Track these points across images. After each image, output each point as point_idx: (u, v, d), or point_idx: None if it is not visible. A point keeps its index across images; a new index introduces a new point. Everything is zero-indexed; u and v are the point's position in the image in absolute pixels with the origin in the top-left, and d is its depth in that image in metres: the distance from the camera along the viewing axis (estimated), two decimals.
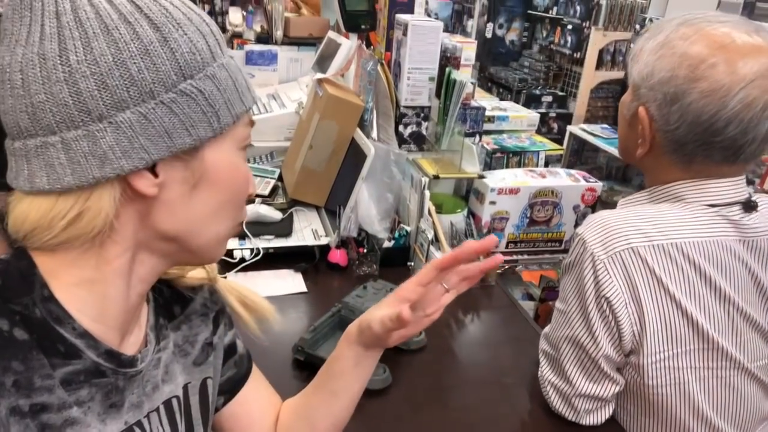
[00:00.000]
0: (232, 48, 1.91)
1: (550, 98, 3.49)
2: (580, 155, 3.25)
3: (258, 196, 1.50)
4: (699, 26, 0.82)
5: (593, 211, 1.53)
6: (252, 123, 0.56)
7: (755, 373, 0.86)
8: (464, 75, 1.34)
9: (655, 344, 0.83)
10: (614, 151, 2.80)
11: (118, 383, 0.51)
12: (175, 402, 0.59)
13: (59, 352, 0.46)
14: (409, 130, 1.39)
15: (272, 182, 1.56)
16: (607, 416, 0.92)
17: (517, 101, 3.49)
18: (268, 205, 1.46)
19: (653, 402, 0.87)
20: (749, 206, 0.84)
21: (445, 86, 1.33)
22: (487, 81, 4.01)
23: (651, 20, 3.03)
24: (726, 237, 0.82)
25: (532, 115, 1.74)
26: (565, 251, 1.53)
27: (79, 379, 0.47)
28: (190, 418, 0.61)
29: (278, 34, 2.02)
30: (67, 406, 0.46)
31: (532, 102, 3.47)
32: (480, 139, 1.48)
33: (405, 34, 1.33)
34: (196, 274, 0.64)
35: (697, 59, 0.79)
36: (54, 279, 0.47)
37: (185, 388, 0.61)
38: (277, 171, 1.62)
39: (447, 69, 1.33)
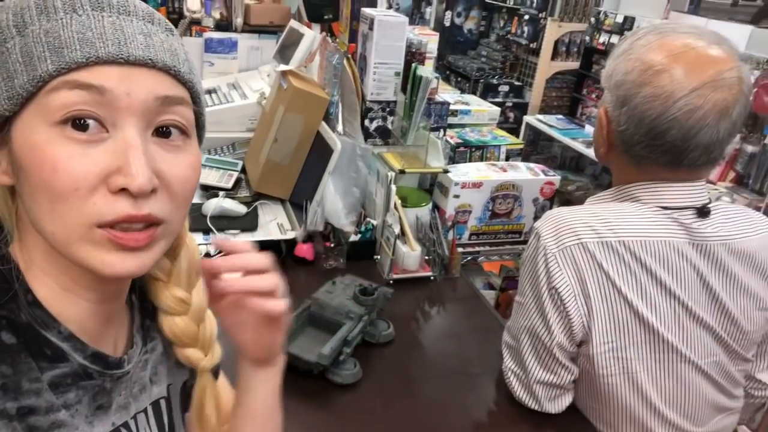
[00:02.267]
0: (190, 35, 1.86)
1: (506, 88, 3.56)
2: (536, 145, 3.34)
3: (221, 189, 1.48)
4: (663, 34, 0.86)
5: (551, 204, 1.58)
6: (86, 86, 0.42)
7: (704, 369, 0.90)
8: (429, 70, 1.36)
9: (603, 334, 0.87)
10: (569, 141, 2.89)
11: (105, 385, 0.51)
12: (163, 403, 0.59)
13: (46, 356, 0.46)
14: (374, 124, 1.40)
15: (235, 175, 1.54)
16: (568, 403, 0.97)
17: (474, 90, 3.54)
18: (232, 198, 1.45)
19: (604, 390, 0.91)
20: (702, 212, 0.87)
21: (411, 82, 1.34)
22: (445, 69, 4.04)
23: (605, 13, 3.12)
24: (674, 238, 0.86)
25: (493, 110, 1.78)
26: (525, 242, 1.59)
27: (66, 382, 0.47)
28: (172, 419, 0.62)
29: (238, 21, 1.98)
30: (54, 409, 0.46)
31: (489, 91, 3.53)
32: (444, 134, 1.50)
33: (371, 28, 1.33)
34: (191, 354, 0.60)
35: (647, 65, 0.84)
36: (28, 272, 0.47)
37: (168, 389, 0.61)
38: (240, 163, 1.60)
39: (413, 65, 1.34)
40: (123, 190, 0.42)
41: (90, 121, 0.42)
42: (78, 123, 0.42)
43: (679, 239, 0.86)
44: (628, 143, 0.88)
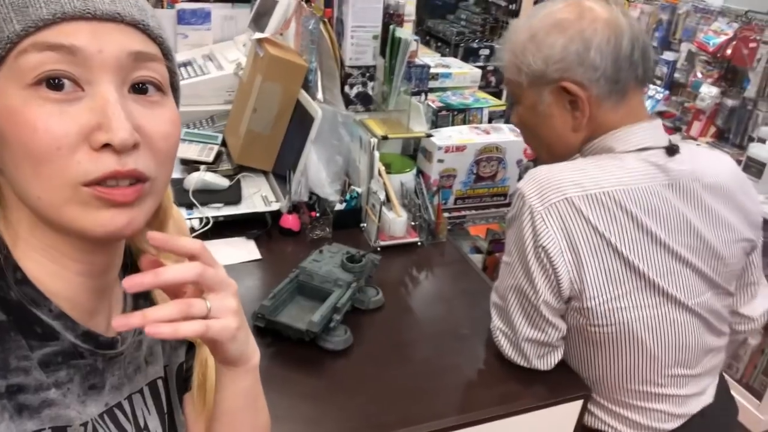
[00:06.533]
0: (162, 7, 1.81)
1: (487, 51, 3.51)
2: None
3: (202, 163, 1.46)
4: (534, 11, 0.96)
5: (535, 164, 1.58)
6: (56, 47, 0.41)
7: (694, 309, 0.93)
8: (408, 32, 1.33)
9: (597, 288, 0.88)
10: None
11: (97, 365, 0.51)
12: (160, 383, 0.59)
13: (36, 334, 0.46)
14: (355, 90, 1.38)
15: (216, 148, 1.52)
16: (557, 360, 0.98)
17: (455, 55, 3.49)
18: (214, 172, 1.43)
19: (600, 341, 0.93)
20: (671, 150, 0.91)
21: (390, 45, 1.32)
22: (425, 34, 3.98)
23: None
24: (653, 182, 0.89)
25: (474, 71, 1.76)
26: (510, 204, 1.59)
27: (57, 360, 0.47)
28: (170, 400, 0.61)
29: None
30: (44, 388, 0.46)
31: (470, 56, 3.49)
32: (426, 98, 1.48)
33: None
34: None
35: (564, 22, 0.90)
36: (15, 248, 0.46)
37: (165, 370, 0.61)
38: (220, 136, 1.57)
39: (391, 27, 1.31)
40: (106, 147, 0.42)
41: (65, 81, 0.42)
42: (52, 83, 0.42)
43: (658, 182, 0.89)
44: (613, 78, 0.90)
